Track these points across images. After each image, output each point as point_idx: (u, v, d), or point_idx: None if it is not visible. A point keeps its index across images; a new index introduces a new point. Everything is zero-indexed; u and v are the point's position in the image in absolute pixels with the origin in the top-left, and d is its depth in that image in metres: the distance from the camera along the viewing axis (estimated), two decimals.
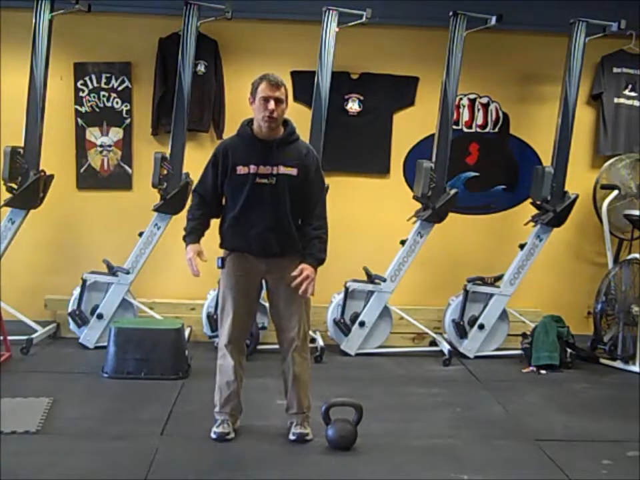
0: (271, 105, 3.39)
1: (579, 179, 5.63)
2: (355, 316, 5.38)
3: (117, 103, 5.68)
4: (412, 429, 3.95)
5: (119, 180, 5.74)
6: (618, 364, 5.29)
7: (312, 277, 3.46)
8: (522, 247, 5.44)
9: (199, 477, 3.30)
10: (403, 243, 5.37)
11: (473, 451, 3.68)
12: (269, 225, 3.50)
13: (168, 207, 5.26)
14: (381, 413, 4.08)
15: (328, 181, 5.29)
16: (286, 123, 3.55)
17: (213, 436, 3.63)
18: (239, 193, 3.50)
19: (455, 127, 5.59)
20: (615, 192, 5.59)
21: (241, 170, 3.48)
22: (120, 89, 5.67)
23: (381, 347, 5.42)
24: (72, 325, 5.34)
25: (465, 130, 5.86)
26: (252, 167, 3.47)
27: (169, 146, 5.27)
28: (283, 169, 3.48)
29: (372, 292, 5.36)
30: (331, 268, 5.22)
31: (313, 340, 5.29)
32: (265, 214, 3.49)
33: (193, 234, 3.59)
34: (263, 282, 3.65)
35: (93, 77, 5.64)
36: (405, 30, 5.66)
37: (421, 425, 4.03)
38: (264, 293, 3.78)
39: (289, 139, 3.53)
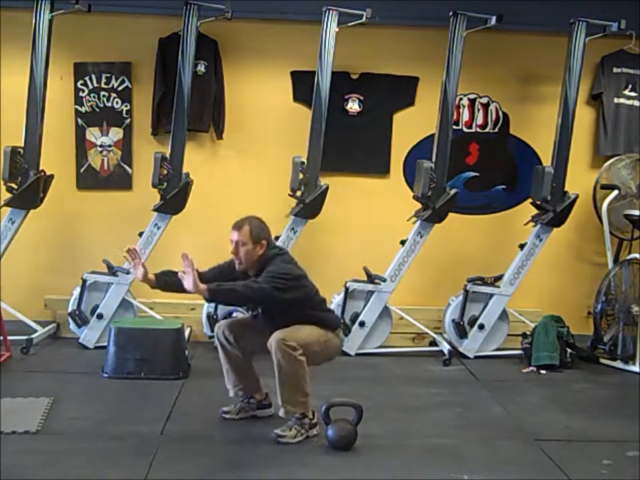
0: (231, 247, 3.72)
1: (579, 179, 5.63)
2: (355, 316, 5.37)
3: (117, 103, 5.68)
4: (412, 429, 3.95)
5: (119, 180, 5.74)
6: (618, 364, 5.29)
7: (192, 279, 3.47)
8: (522, 246, 5.44)
9: (198, 476, 3.30)
10: (403, 242, 5.37)
11: (473, 451, 3.68)
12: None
13: (168, 207, 5.26)
14: (381, 413, 4.09)
15: (328, 180, 5.36)
16: (264, 255, 3.72)
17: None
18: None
19: (455, 126, 5.59)
20: (615, 192, 5.59)
21: None
22: (120, 89, 5.67)
23: (381, 347, 5.42)
24: (72, 325, 5.34)
25: (465, 130, 5.86)
26: None
27: (169, 146, 5.27)
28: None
29: (372, 292, 5.36)
30: (331, 268, 5.27)
31: None
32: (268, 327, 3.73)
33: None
34: None
35: (93, 76, 5.65)
36: (405, 30, 5.66)
37: (421, 425, 4.03)
38: None
39: (261, 269, 3.68)
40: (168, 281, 3.82)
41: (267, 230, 3.77)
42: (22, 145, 5.12)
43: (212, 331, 5.29)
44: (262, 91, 5.71)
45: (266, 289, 3.54)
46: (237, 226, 3.72)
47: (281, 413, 3.71)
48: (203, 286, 3.48)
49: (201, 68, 5.56)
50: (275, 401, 3.96)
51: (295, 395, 3.67)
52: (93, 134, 5.70)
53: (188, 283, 3.47)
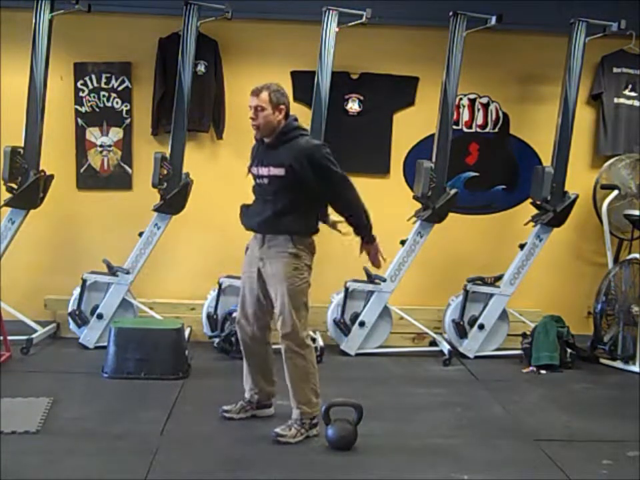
0: (251, 113, 3.66)
1: (579, 179, 5.63)
2: (355, 316, 5.37)
3: (117, 103, 5.68)
4: (412, 429, 3.95)
5: (119, 180, 5.74)
6: (618, 364, 5.29)
7: (373, 248, 3.86)
8: (522, 246, 5.44)
9: (198, 477, 3.30)
10: (403, 243, 5.36)
11: (473, 451, 3.68)
12: (266, 218, 3.68)
13: (168, 207, 5.26)
14: (381, 413, 4.08)
15: None
16: (284, 122, 3.69)
17: None
18: (254, 187, 3.81)
19: (455, 126, 5.59)
20: (615, 192, 5.59)
21: (252, 170, 3.80)
22: (120, 89, 5.67)
23: (381, 346, 5.42)
24: (72, 325, 5.34)
25: (465, 130, 5.86)
26: (254, 168, 3.77)
27: (169, 146, 5.27)
28: (272, 170, 3.67)
29: (372, 292, 5.36)
30: (331, 268, 5.27)
31: (313, 340, 5.28)
32: (263, 210, 3.69)
33: None
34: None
35: (93, 76, 5.64)
36: (405, 30, 5.66)
37: (421, 425, 4.03)
38: None
39: (281, 139, 3.68)
40: None
41: (286, 95, 3.71)
42: (22, 144, 5.12)
43: (212, 330, 5.31)
44: None
45: (345, 179, 3.74)
46: (256, 92, 3.64)
47: (295, 414, 3.70)
48: (374, 242, 3.88)
49: (201, 68, 5.56)
50: (275, 400, 3.97)
51: (310, 397, 3.69)
52: (92, 134, 5.70)
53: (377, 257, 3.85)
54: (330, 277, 5.21)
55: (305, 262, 3.68)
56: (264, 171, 3.69)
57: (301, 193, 3.65)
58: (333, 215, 3.87)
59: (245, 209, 3.83)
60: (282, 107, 3.67)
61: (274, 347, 3.89)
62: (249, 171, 3.81)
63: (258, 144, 3.81)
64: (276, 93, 3.65)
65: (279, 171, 3.63)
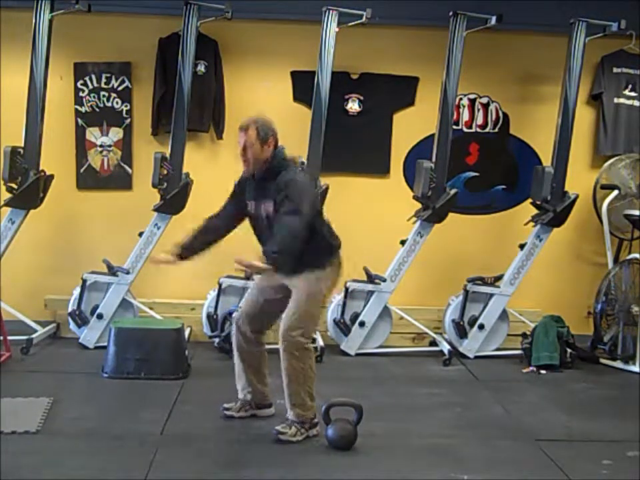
0: (239, 149, 3.64)
1: (579, 179, 5.63)
2: (355, 316, 5.38)
3: (117, 103, 5.68)
4: (412, 429, 3.95)
5: (119, 180, 5.74)
6: (618, 364, 5.29)
7: (248, 262, 3.46)
8: (522, 246, 5.44)
9: (198, 476, 3.30)
10: (403, 242, 5.37)
11: (473, 451, 3.68)
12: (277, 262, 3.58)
13: (168, 207, 5.26)
14: (381, 413, 4.08)
15: (328, 180, 5.35)
16: (271, 158, 3.65)
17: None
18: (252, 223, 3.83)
19: (455, 126, 5.59)
20: (615, 192, 5.59)
21: (248, 208, 3.79)
22: (120, 89, 5.67)
23: (381, 346, 5.42)
24: (72, 325, 5.34)
25: (465, 130, 5.86)
26: (249, 203, 3.77)
27: (169, 146, 5.27)
28: (265, 207, 3.67)
29: (372, 292, 5.36)
30: None
31: (313, 340, 5.28)
32: (264, 242, 3.66)
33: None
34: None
35: (93, 76, 5.65)
36: (405, 30, 5.66)
37: (421, 425, 4.03)
38: None
39: (270, 173, 3.64)
40: (197, 249, 3.89)
41: (274, 129, 3.67)
42: (22, 144, 5.12)
43: (212, 330, 5.31)
44: (262, 91, 5.70)
45: (299, 222, 3.46)
46: (243, 128, 3.62)
47: (290, 415, 3.70)
48: (263, 266, 3.44)
49: (201, 68, 5.56)
50: (275, 400, 3.97)
51: (305, 399, 3.68)
52: (93, 134, 5.70)
53: (252, 268, 3.51)
54: None
55: (329, 281, 3.73)
56: (258, 208, 3.69)
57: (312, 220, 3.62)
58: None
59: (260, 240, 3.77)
60: (270, 141, 3.64)
61: (274, 346, 3.88)
62: (237, 202, 3.84)
63: (246, 181, 3.77)
64: (263, 128, 3.62)
65: (269, 205, 3.62)
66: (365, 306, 5.38)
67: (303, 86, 5.58)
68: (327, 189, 5.31)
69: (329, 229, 3.81)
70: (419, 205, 5.37)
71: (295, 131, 5.45)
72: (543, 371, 5.12)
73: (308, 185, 3.75)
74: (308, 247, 3.56)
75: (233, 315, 4.20)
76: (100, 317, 5.26)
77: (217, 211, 3.93)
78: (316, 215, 3.71)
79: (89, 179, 5.73)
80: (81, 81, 5.64)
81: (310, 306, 3.66)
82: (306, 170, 3.82)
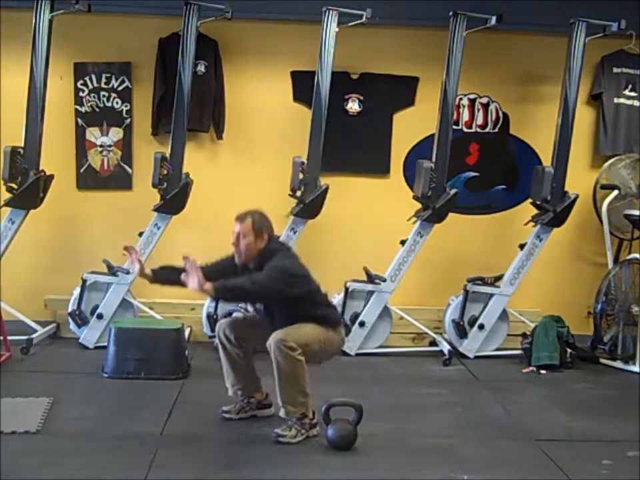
0: (232, 239, 3.72)
1: (579, 179, 5.63)
2: (355, 316, 5.37)
3: (117, 103, 5.68)
4: (412, 429, 3.95)
5: (119, 180, 5.74)
6: (618, 364, 5.29)
7: (195, 280, 3.46)
8: (522, 246, 5.44)
9: (198, 477, 3.30)
10: (403, 242, 5.37)
11: (473, 451, 3.68)
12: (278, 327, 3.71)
13: (168, 207, 5.26)
14: (381, 413, 4.08)
15: (328, 180, 5.35)
16: (264, 249, 3.71)
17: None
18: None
19: (455, 126, 5.59)
20: (615, 192, 5.59)
21: None
22: (120, 89, 5.67)
23: (381, 346, 5.42)
24: (72, 325, 5.34)
25: (465, 130, 5.86)
26: None
27: (169, 146, 5.27)
28: None
29: (372, 292, 5.36)
30: (331, 268, 5.27)
31: None
32: (276, 322, 3.76)
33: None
34: None
35: (93, 76, 5.65)
36: (405, 30, 5.66)
37: (421, 425, 4.03)
38: None
39: (262, 263, 3.67)
40: (166, 278, 3.86)
41: (269, 224, 3.77)
42: (22, 144, 5.12)
43: (212, 330, 5.30)
44: (262, 91, 5.71)
45: (268, 286, 3.53)
46: (240, 218, 3.72)
47: (282, 413, 3.72)
48: (208, 286, 3.47)
49: (201, 68, 5.56)
50: (275, 400, 3.97)
51: (295, 396, 3.67)
52: (93, 134, 5.70)
53: (193, 283, 3.46)
54: (330, 276, 5.19)
55: (332, 338, 3.81)
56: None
57: (294, 301, 3.65)
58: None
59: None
60: (265, 235, 3.71)
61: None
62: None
63: (240, 267, 3.79)
64: (259, 221, 3.71)
65: None
66: (365, 306, 5.38)
67: (303, 86, 5.58)
68: (326, 189, 5.31)
69: (325, 301, 3.89)
70: (419, 205, 5.37)
71: (295, 131, 5.48)
72: (542, 371, 5.12)
73: (290, 266, 3.71)
74: (309, 316, 3.71)
75: (219, 320, 4.22)
76: (100, 316, 5.26)
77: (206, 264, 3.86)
78: (312, 292, 3.76)
79: (89, 179, 5.73)
80: (81, 81, 5.64)
81: (309, 334, 3.69)
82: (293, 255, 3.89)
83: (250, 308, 4.12)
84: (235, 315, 5.03)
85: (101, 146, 5.71)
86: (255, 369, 3.97)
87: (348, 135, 5.72)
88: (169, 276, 3.83)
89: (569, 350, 5.28)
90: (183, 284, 3.55)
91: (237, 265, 3.80)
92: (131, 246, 3.88)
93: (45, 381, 4.53)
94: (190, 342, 5.22)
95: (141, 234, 5.30)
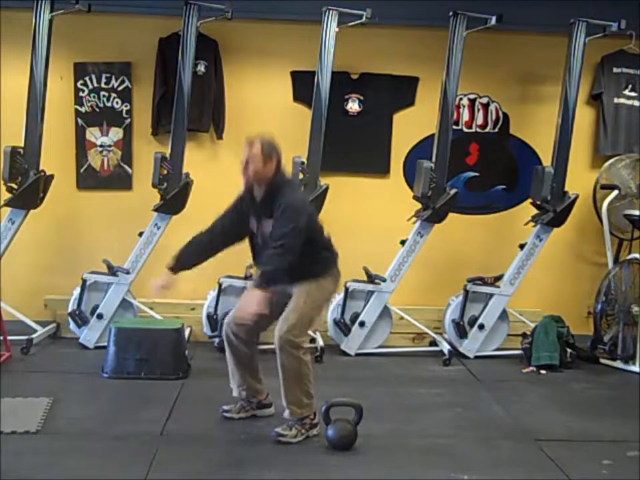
0: (242, 163, 3.65)
1: (579, 179, 5.63)
2: (355, 316, 5.37)
3: (117, 103, 5.68)
4: (412, 429, 3.95)
5: (119, 180, 5.74)
6: (618, 364, 5.29)
7: (253, 294, 3.46)
8: (522, 246, 5.44)
9: (198, 477, 3.30)
10: (403, 242, 5.37)
11: (473, 451, 3.68)
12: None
13: (168, 207, 5.26)
14: (381, 413, 4.09)
15: (328, 180, 5.35)
16: (273, 178, 3.67)
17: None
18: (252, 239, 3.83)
19: (455, 126, 5.59)
20: (615, 192, 5.59)
21: (250, 226, 3.80)
22: (120, 89, 5.67)
23: (381, 346, 5.42)
24: (72, 325, 5.34)
25: (465, 130, 5.86)
26: (249, 220, 3.79)
27: (169, 146, 5.27)
28: (265, 226, 3.68)
29: (372, 292, 5.36)
30: None
31: (313, 340, 5.30)
32: (259, 260, 3.72)
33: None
34: None
35: (93, 76, 5.65)
36: (405, 30, 5.66)
37: (421, 425, 4.03)
38: None
39: (270, 193, 3.66)
40: (189, 264, 3.87)
41: (278, 149, 3.70)
42: (22, 145, 5.12)
43: (212, 330, 5.31)
44: (262, 91, 5.71)
45: (293, 239, 3.48)
46: (249, 142, 3.65)
47: (286, 414, 3.71)
48: (260, 293, 3.43)
49: (201, 68, 5.56)
50: (276, 401, 3.97)
51: (300, 397, 3.68)
52: (93, 134, 5.70)
53: (252, 309, 3.45)
54: None
55: (329, 289, 3.77)
56: (259, 226, 3.72)
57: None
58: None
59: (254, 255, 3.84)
60: (273, 160, 3.66)
61: (270, 346, 3.88)
62: (235, 213, 3.84)
63: (247, 198, 3.77)
64: (268, 145, 3.66)
65: (269, 224, 3.64)
66: (365, 306, 5.38)
67: (302, 86, 5.58)
68: (326, 188, 5.31)
69: (326, 243, 3.83)
70: (418, 205, 5.37)
71: (295, 131, 5.47)
72: (542, 371, 5.12)
73: (304, 205, 3.75)
74: (306, 261, 3.59)
75: (224, 319, 4.20)
76: (100, 316, 5.26)
77: (210, 227, 3.92)
78: (314, 230, 3.72)
79: (89, 179, 5.73)
80: (81, 81, 5.64)
81: (309, 309, 3.67)
82: (304, 192, 3.85)
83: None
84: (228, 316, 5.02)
85: (101, 146, 5.71)
86: (259, 370, 3.96)
87: (348, 135, 5.72)
88: (190, 261, 3.85)
89: (569, 350, 5.28)
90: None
91: (242, 202, 3.78)
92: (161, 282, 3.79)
93: (45, 381, 4.53)
94: (190, 342, 5.23)
95: (140, 234, 5.30)
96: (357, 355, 5.36)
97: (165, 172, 5.19)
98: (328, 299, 3.91)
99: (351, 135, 5.74)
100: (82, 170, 5.72)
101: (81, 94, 5.66)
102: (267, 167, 3.63)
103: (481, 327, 5.41)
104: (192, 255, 3.86)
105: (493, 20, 5.18)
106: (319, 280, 3.71)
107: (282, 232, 3.52)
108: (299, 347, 3.62)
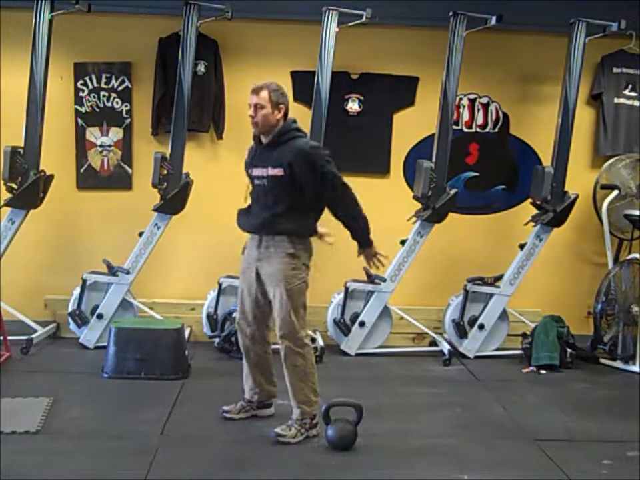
0: (250, 111, 3.66)
1: (579, 179, 5.63)
2: (355, 316, 5.38)
3: (117, 103, 5.68)
4: (412, 429, 3.95)
5: (119, 180, 5.74)
6: (618, 364, 5.29)
7: (369, 253, 3.90)
8: (522, 246, 5.44)
9: (198, 477, 3.30)
10: (403, 242, 5.37)
11: (473, 451, 3.68)
12: (264, 219, 3.69)
13: (168, 207, 5.26)
14: (381, 412, 4.09)
15: None
16: (283, 123, 3.71)
17: None
18: (252, 189, 3.84)
19: (455, 126, 5.59)
20: (615, 192, 5.59)
21: (250, 171, 3.81)
22: (120, 89, 5.67)
23: (381, 347, 5.42)
24: (72, 325, 5.34)
25: (465, 130, 5.86)
26: (251, 169, 3.79)
27: (168, 146, 5.27)
28: (270, 171, 3.68)
29: (372, 292, 5.36)
30: (331, 268, 5.27)
31: (313, 340, 5.29)
32: (261, 211, 3.72)
33: None
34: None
35: (93, 76, 5.65)
36: (405, 30, 5.66)
37: (421, 425, 4.03)
38: None
39: (279, 140, 3.69)
40: None
41: (286, 95, 3.73)
42: (22, 145, 5.11)
43: (212, 330, 5.31)
44: None
45: (347, 191, 3.77)
46: (256, 90, 3.66)
47: (296, 414, 3.71)
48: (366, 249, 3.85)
49: (201, 68, 5.56)
50: (275, 400, 3.98)
51: (309, 395, 3.69)
52: (93, 134, 5.70)
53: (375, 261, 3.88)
54: (330, 277, 5.21)
55: (303, 262, 3.70)
56: (262, 171, 3.70)
57: (300, 194, 3.65)
58: (321, 226, 3.85)
59: (242, 211, 3.86)
60: (281, 106, 3.68)
61: (273, 347, 3.89)
62: (247, 174, 3.83)
63: (255, 146, 3.81)
64: (276, 92, 3.67)
65: (278, 171, 3.64)
66: (364, 306, 5.38)
67: (302, 86, 5.58)
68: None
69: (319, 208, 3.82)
70: (418, 205, 5.37)
71: None
72: (542, 371, 5.12)
73: (324, 150, 3.85)
74: (294, 211, 3.66)
75: (234, 315, 4.19)
76: (100, 316, 5.26)
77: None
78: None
79: (89, 179, 5.73)
80: (81, 81, 5.64)
81: (295, 299, 3.65)
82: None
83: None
84: (234, 314, 5.02)
85: (101, 146, 5.71)
86: (273, 372, 3.95)
87: (348, 135, 5.71)
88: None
89: (569, 350, 5.28)
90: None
91: (250, 150, 3.81)
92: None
93: (45, 380, 4.53)
94: (190, 342, 5.23)
95: (140, 234, 5.30)
96: (357, 355, 5.36)
97: (165, 172, 5.19)
98: (306, 274, 3.74)
99: (351, 135, 5.73)
100: (82, 170, 5.72)
101: (81, 94, 5.65)
102: (274, 114, 3.66)
103: (481, 326, 5.41)
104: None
105: (493, 20, 5.18)
106: (289, 257, 3.64)
107: (331, 173, 3.70)
108: (303, 344, 3.64)
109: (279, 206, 3.65)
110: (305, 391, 3.68)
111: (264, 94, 3.64)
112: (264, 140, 3.72)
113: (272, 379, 3.96)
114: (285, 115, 3.73)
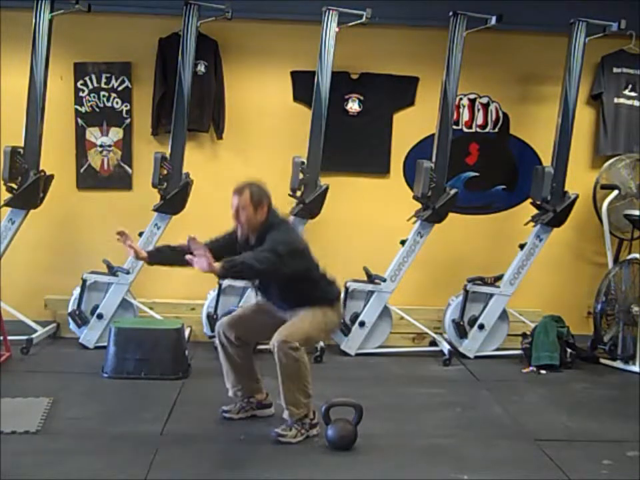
0: (232, 212, 3.67)
1: (579, 179, 5.63)
2: (355, 316, 5.38)
3: (117, 103, 5.68)
4: (412, 429, 3.95)
5: (119, 180, 5.74)
6: (618, 364, 5.29)
7: (204, 261, 3.33)
8: (522, 246, 5.44)
9: (198, 477, 3.30)
10: (403, 243, 5.37)
11: (473, 451, 3.68)
12: (289, 311, 3.77)
13: (168, 207, 5.26)
14: (381, 413, 4.08)
15: (328, 180, 5.35)
16: (265, 221, 3.68)
17: None
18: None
19: (455, 126, 5.59)
20: (615, 192, 5.59)
21: None
22: (120, 89, 5.67)
23: (381, 346, 5.42)
24: (72, 325, 5.34)
25: (465, 130, 5.86)
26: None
27: (168, 146, 5.27)
28: None
29: (372, 292, 5.36)
30: (331, 268, 5.25)
31: None
32: (279, 306, 3.83)
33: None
34: None
35: (93, 76, 5.65)
36: (405, 30, 5.66)
37: (421, 425, 4.03)
38: None
39: (261, 237, 3.64)
40: (165, 259, 3.86)
41: (268, 195, 3.71)
42: (22, 145, 5.12)
43: (212, 330, 5.29)
44: (262, 91, 5.71)
45: (271, 258, 3.44)
46: (238, 190, 3.67)
47: (285, 415, 3.71)
48: (216, 265, 3.36)
49: (201, 68, 5.56)
50: (275, 400, 3.97)
51: (298, 397, 3.67)
52: (93, 134, 5.70)
53: (201, 264, 3.32)
54: None
55: (332, 319, 3.81)
56: None
57: (296, 278, 3.62)
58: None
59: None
60: (264, 206, 3.67)
61: (264, 346, 3.89)
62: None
63: (242, 241, 3.75)
64: (257, 193, 3.66)
65: None
66: (364, 306, 5.38)
67: (303, 86, 5.58)
68: (326, 189, 5.31)
69: (325, 276, 3.85)
70: (418, 205, 5.37)
71: (294, 131, 5.48)
72: (542, 371, 5.12)
73: (292, 241, 3.68)
74: (305, 289, 3.70)
75: (219, 320, 4.20)
76: (100, 316, 5.27)
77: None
78: (311, 268, 3.75)
79: (89, 179, 5.73)
80: (81, 81, 5.64)
81: (309, 326, 3.69)
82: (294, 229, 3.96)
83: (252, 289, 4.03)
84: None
85: (101, 146, 5.71)
86: (255, 369, 3.97)
87: (348, 135, 5.72)
88: (167, 257, 3.82)
89: (569, 350, 5.28)
90: (183, 264, 3.43)
91: (237, 240, 3.75)
92: (122, 230, 3.81)
93: (45, 380, 4.53)
94: (190, 342, 5.23)
95: (141, 234, 5.30)
96: (357, 354, 5.36)
97: (165, 172, 5.20)
98: (330, 329, 3.93)
99: (351, 135, 5.73)
100: (82, 170, 5.72)
101: (81, 94, 5.65)
102: (258, 214, 3.66)
103: (481, 326, 5.41)
104: (170, 259, 3.81)
105: (493, 20, 5.18)
106: (324, 308, 3.74)
107: (275, 243, 3.52)
108: (296, 348, 3.60)
109: (287, 295, 3.74)
110: (294, 392, 3.66)
111: (245, 195, 3.63)
112: (252, 239, 3.70)
113: (255, 376, 3.96)
114: (269, 210, 3.70)
